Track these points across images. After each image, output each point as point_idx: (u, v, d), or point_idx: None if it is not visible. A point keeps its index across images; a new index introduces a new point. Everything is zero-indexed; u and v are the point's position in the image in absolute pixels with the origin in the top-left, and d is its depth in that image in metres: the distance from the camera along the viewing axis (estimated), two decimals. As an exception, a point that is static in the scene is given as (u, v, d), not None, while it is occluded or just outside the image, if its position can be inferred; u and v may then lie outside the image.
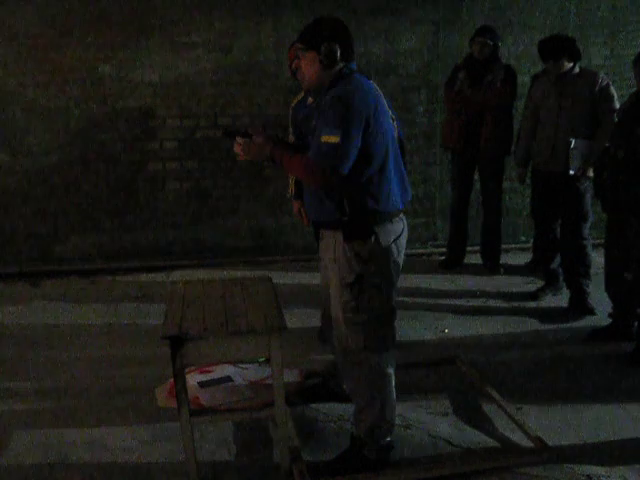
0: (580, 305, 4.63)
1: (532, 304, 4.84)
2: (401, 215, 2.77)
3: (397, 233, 2.73)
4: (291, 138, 4.08)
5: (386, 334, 2.79)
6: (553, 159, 4.52)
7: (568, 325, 4.45)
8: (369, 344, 2.73)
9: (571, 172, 4.40)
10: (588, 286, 4.64)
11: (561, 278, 4.90)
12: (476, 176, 5.51)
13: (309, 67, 2.67)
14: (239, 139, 2.75)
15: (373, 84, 2.70)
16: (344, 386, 3.38)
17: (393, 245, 2.71)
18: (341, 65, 2.64)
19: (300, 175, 2.65)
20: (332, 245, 2.72)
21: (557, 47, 4.35)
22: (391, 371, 2.83)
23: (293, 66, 2.73)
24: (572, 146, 4.35)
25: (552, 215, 4.74)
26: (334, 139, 2.46)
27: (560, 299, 4.85)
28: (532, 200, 4.91)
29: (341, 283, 2.70)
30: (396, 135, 2.78)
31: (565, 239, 4.68)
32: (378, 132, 2.58)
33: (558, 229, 4.77)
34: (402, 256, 2.80)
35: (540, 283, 5.08)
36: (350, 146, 2.49)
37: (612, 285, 4.16)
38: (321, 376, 3.51)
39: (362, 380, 2.81)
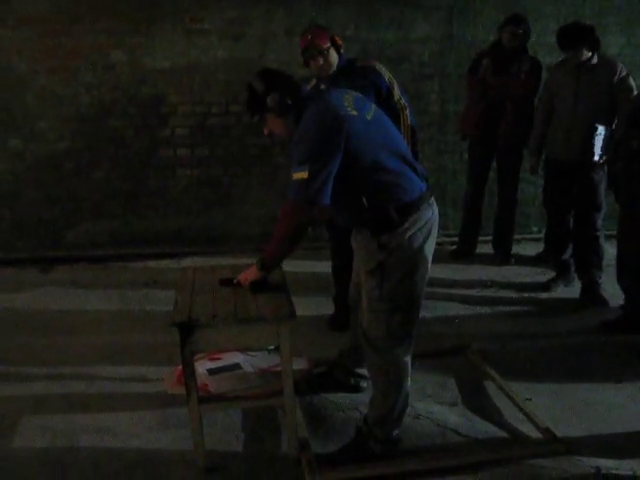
0: (592, 296, 4.60)
1: (543, 295, 4.81)
2: (430, 200, 2.74)
3: (424, 220, 2.68)
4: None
5: (409, 324, 2.77)
6: (569, 148, 4.47)
7: (579, 316, 4.42)
8: (391, 332, 2.72)
9: (595, 158, 4.34)
10: (600, 277, 4.61)
11: (572, 269, 4.87)
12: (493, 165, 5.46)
13: (276, 126, 2.76)
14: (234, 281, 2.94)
15: (341, 92, 2.74)
16: (350, 377, 3.38)
17: (419, 233, 2.67)
18: (293, 101, 2.67)
19: (286, 227, 2.68)
20: (360, 234, 2.77)
21: (576, 36, 4.28)
22: (408, 359, 2.82)
23: (265, 134, 2.81)
24: (597, 132, 4.29)
25: (565, 205, 4.70)
26: (302, 175, 2.53)
27: (571, 290, 4.81)
28: (545, 190, 4.87)
29: (366, 270, 2.73)
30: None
31: (578, 230, 4.64)
32: (361, 136, 2.57)
33: (571, 220, 4.73)
34: (432, 243, 2.76)
35: (551, 274, 5.04)
36: (320, 177, 2.52)
37: (624, 277, 4.13)
38: (328, 365, 3.51)
39: (380, 368, 2.81)
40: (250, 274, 2.86)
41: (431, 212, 2.74)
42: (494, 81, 5.03)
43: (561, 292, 4.84)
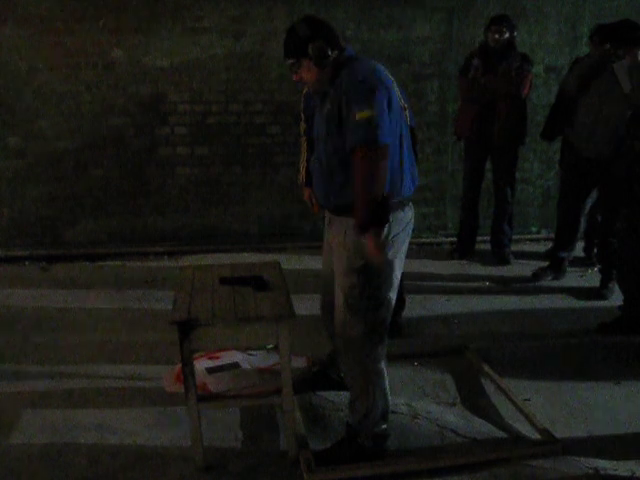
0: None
1: (542, 295, 4.81)
2: (410, 203, 2.77)
3: (407, 221, 2.73)
4: (302, 125, 4.06)
5: (384, 323, 2.78)
6: (594, 144, 4.48)
7: (578, 317, 4.42)
8: (368, 332, 2.71)
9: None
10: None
11: (566, 264, 5.01)
12: (488, 165, 5.47)
13: (310, 74, 2.68)
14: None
15: (382, 67, 2.69)
16: (342, 374, 3.38)
17: (402, 233, 2.70)
18: (334, 54, 2.63)
19: (369, 175, 2.46)
20: (343, 231, 2.69)
21: (633, 35, 4.27)
22: (383, 364, 2.82)
23: (295, 80, 2.76)
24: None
25: (580, 206, 4.78)
26: (366, 114, 2.43)
27: (571, 291, 4.84)
28: (562, 189, 4.90)
29: (348, 268, 2.68)
30: (408, 123, 2.76)
31: (603, 226, 4.72)
32: (394, 114, 2.56)
33: (582, 221, 4.85)
34: (407, 244, 2.79)
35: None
36: (383, 115, 2.47)
37: (624, 278, 4.14)
38: (322, 364, 3.51)
39: (357, 368, 2.80)
40: (374, 245, 2.51)
41: (411, 214, 2.77)
42: (484, 81, 5.05)
43: (560, 292, 4.85)
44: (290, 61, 2.70)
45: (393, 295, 2.77)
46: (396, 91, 2.66)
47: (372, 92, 2.48)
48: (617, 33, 4.29)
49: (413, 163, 2.78)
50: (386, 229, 2.61)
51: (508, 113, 5.07)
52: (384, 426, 2.87)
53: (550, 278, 5.04)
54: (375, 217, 2.48)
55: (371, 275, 2.66)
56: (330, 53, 2.61)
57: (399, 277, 2.79)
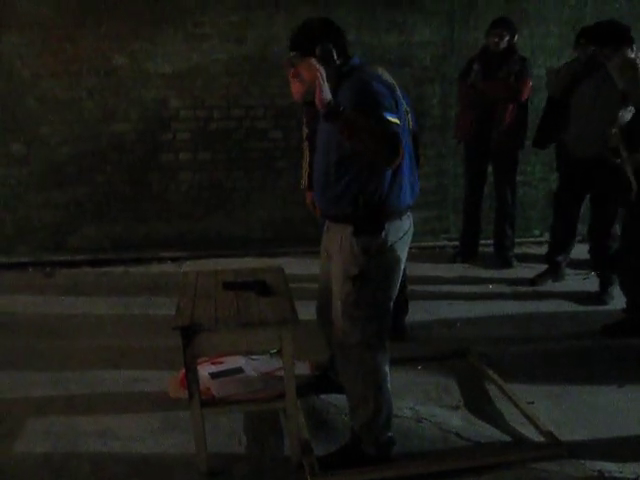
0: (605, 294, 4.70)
1: (545, 298, 4.81)
2: (409, 212, 2.74)
3: (404, 230, 2.70)
4: (304, 130, 4.06)
5: (384, 331, 2.76)
6: (587, 146, 4.45)
7: (581, 320, 4.41)
8: (367, 340, 2.69)
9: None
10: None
11: (564, 266, 5.03)
12: (490, 168, 5.47)
13: (307, 73, 2.51)
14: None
15: (384, 75, 2.65)
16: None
17: (399, 242, 2.67)
18: (338, 63, 2.59)
19: (374, 141, 2.34)
20: (339, 237, 2.69)
21: (621, 35, 4.25)
22: (386, 369, 2.79)
23: (290, 75, 2.67)
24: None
25: (577, 206, 4.77)
26: (396, 120, 2.40)
27: (572, 295, 4.84)
28: (558, 190, 4.90)
29: (344, 275, 2.66)
30: (410, 127, 2.75)
31: (594, 232, 4.70)
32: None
33: (577, 225, 4.83)
34: (406, 253, 2.76)
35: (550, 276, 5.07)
36: (403, 123, 2.47)
37: (626, 280, 4.13)
38: (323, 368, 3.50)
39: (356, 376, 2.77)
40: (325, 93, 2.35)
41: (409, 223, 2.74)
42: (484, 86, 5.04)
43: (563, 296, 4.85)
44: (294, 54, 2.60)
45: (390, 303, 2.74)
46: (399, 96, 2.65)
47: (384, 99, 2.44)
48: (601, 34, 4.29)
49: (414, 173, 2.75)
50: (383, 235, 2.61)
51: (507, 118, 5.06)
52: (389, 434, 2.85)
53: (549, 282, 5.04)
54: (336, 114, 2.34)
55: (367, 283, 2.63)
56: (336, 58, 2.56)
57: (397, 285, 2.76)
